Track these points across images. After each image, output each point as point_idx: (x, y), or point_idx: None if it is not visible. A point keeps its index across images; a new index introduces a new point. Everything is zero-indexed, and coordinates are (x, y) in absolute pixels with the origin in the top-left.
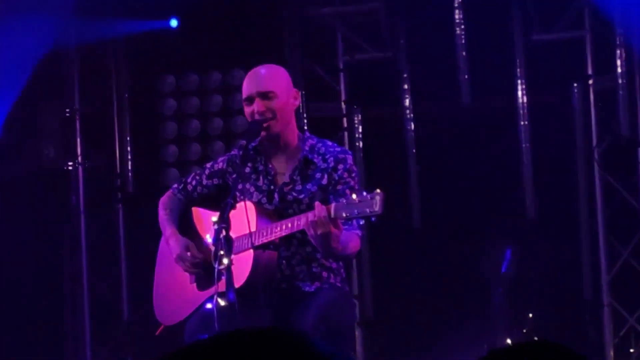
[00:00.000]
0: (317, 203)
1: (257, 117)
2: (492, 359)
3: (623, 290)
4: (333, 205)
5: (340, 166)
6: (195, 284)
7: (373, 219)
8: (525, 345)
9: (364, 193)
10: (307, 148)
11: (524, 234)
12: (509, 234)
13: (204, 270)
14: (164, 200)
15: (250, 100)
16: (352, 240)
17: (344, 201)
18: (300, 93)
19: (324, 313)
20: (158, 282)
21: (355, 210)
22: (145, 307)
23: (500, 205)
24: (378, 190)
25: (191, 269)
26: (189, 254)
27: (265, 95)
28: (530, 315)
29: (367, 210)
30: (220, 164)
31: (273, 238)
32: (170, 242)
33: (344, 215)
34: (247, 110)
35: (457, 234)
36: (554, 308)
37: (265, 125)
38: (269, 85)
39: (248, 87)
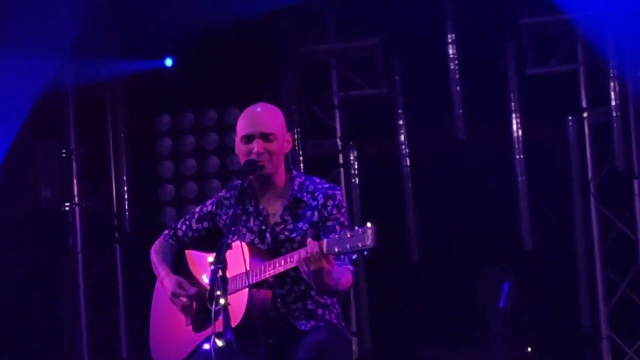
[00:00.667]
0: (309, 240)
1: (253, 156)
2: None
3: (621, 322)
4: (325, 241)
5: (330, 202)
6: (191, 326)
7: (366, 252)
8: None
9: (356, 227)
10: (295, 187)
11: (521, 266)
12: (506, 267)
13: (200, 311)
14: (155, 247)
15: (249, 138)
16: (344, 275)
17: (336, 236)
18: (292, 136)
19: (318, 352)
20: (154, 326)
21: (348, 245)
22: (143, 346)
23: (497, 239)
24: (369, 224)
25: (185, 303)
26: (181, 290)
27: (266, 137)
28: (529, 349)
29: (359, 244)
30: (209, 206)
31: (267, 276)
32: (164, 282)
33: (336, 250)
34: (244, 148)
35: (455, 267)
36: (552, 341)
37: (260, 164)
38: (270, 127)
39: (248, 125)
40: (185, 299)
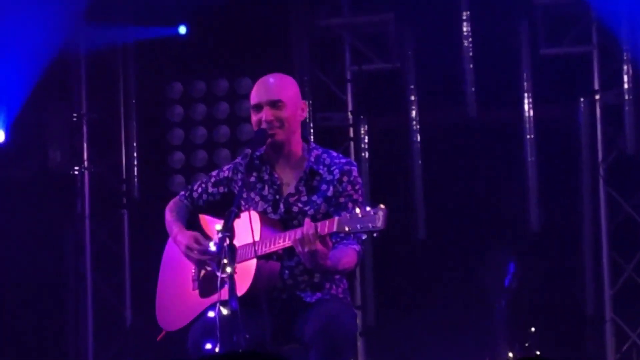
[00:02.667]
0: (306, 220)
1: (264, 125)
2: None
3: (626, 305)
4: (336, 218)
5: (345, 178)
6: (197, 291)
7: (375, 234)
8: None
9: (367, 208)
10: (312, 159)
11: (528, 246)
12: (512, 246)
13: (208, 277)
14: (170, 206)
15: (258, 107)
16: (346, 255)
17: (347, 215)
18: (307, 105)
19: (324, 325)
20: (161, 289)
21: (358, 225)
22: (148, 313)
23: (505, 218)
24: (382, 206)
25: (202, 257)
26: (196, 244)
27: (274, 104)
28: (533, 329)
29: (370, 225)
30: (226, 172)
31: (275, 249)
32: (178, 237)
33: (346, 229)
34: (255, 117)
35: (461, 245)
36: (556, 322)
37: (271, 132)
38: (278, 94)
39: (257, 94)
40: (199, 254)
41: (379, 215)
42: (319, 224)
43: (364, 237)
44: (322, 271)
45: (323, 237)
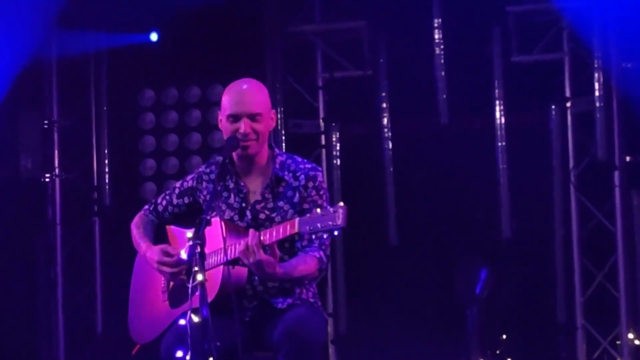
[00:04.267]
0: (250, 231)
1: (239, 136)
2: None
3: (597, 312)
4: (297, 219)
5: (310, 184)
6: (167, 302)
7: (336, 232)
8: None
9: (328, 207)
10: (277, 165)
11: (499, 254)
12: (484, 253)
13: (177, 287)
14: (136, 221)
15: (236, 118)
16: (303, 263)
17: (308, 215)
18: (276, 113)
19: (291, 328)
20: (132, 302)
21: (319, 224)
22: (119, 320)
23: (476, 225)
24: (341, 204)
25: (174, 269)
26: (166, 258)
27: (253, 117)
28: (504, 336)
29: (330, 223)
30: (190, 182)
31: (237, 255)
32: (148, 254)
33: (307, 229)
34: (230, 127)
35: (433, 252)
36: (527, 329)
37: (244, 144)
38: (257, 107)
39: (236, 105)
40: (171, 267)
41: (339, 213)
42: (266, 232)
43: (326, 236)
44: (274, 281)
45: (270, 247)
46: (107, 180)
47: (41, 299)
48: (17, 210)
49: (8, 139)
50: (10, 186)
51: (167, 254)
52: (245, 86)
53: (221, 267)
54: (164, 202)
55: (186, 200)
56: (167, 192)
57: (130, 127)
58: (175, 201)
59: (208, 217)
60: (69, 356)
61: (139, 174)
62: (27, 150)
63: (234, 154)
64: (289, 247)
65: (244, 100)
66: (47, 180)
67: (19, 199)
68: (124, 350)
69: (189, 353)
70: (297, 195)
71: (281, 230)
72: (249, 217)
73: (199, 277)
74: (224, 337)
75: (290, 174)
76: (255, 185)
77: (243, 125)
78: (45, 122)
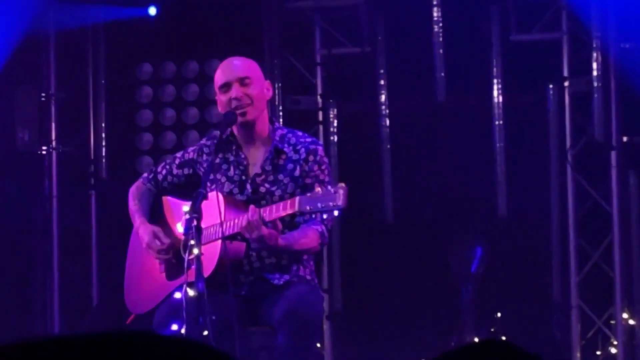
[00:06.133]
0: (251, 207)
1: (234, 103)
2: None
3: (592, 292)
4: (297, 198)
5: (311, 157)
6: (164, 274)
7: (337, 212)
8: (474, 346)
9: (329, 187)
10: (277, 138)
11: (495, 232)
12: (480, 231)
13: (174, 260)
14: (133, 191)
15: (227, 86)
16: (305, 236)
17: (308, 195)
18: (271, 85)
19: (292, 307)
20: (129, 272)
21: (319, 204)
22: (115, 294)
23: (473, 203)
24: (342, 184)
25: (160, 255)
26: (157, 241)
27: (242, 81)
28: (499, 314)
29: (330, 203)
30: (191, 153)
31: (238, 229)
32: (140, 231)
33: (307, 208)
34: (223, 98)
35: (428, 230)
36: (522, 308)
37: (241, 111)
38: (245, 71)
39: (224, 74)
40: (160, 250)
41: (339, 194)
42: (265, 209)
43: (325, 216)
44: (276, 252)
45: (272, 221)
46: (104, 154)
47: (37, 272)
48: (14, 183)
49: (4, 112)
50: (6, 159)
51: (158, 238)
52: (232, 60)
53: (219, 241)
54: (164, 172)
55: (186, 171)
56: (167, 161)
57: (127, 101)
58: (175, 171)
59: (204, 191)
60: (64, 328)
61: (136, 148)
62: (24, 123)
63: (234, 127)
64: (290, 220)
65: (231, 67)
66: (44, 153)
67: (15, 172)
68: (120, 323)
69: (184, 326)
70: (298, 168)
71: (281, 207)
72: (249, 190)
73: (195, 251)
74: (220, 311)
75: (291, 147)
76: (255, 158)
77: (234, 91)
78: (43, 95)
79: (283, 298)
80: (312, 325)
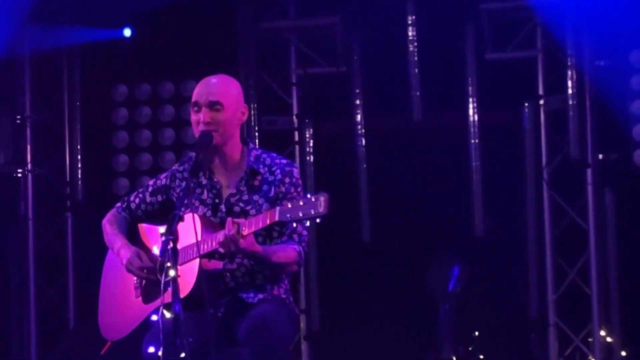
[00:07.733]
0: (228, 220)
1: (201, 127)
2: None
3: (569, 310)
4: (277, 208)
5: (287, 179)
6: (140, 298)
7: (318, 220)
8: None
9: (309, 195)
10: (252, 159)
11: (472, 251)
12: (457, 250)
13: (150, 283)
14: (109, 218)
15: (197, 106)
16: (284, 250)
17: (288, 204)
18: (248, 109)
19: (257, 324)
20: (103, 298)
21: (300, 213)
22: (92, 316)
23: (450, 222)
24: (323, 192)
25: (141, 273)
26: (138, 260)
27: (212, 106)
28: (477, 333)
29: (312, 211)
30: (163, 180)
31: (216, 246)
32: (121, 252)
33: (288, 217)
34: (194, 117)
35: (406, 249)
36: (499, 326)
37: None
38: (218, 96)
39: (198, 93)
40: (141, 268)
41: (320, 201)
42: (244, 222)
43: (305, 233)
44: (254, 260)
45: (247, 236)
46: (79, 176)
47: (13, 294)
48: None
49: None
50: None
51: (139, 257)
52: (213, 78)
53: (196, 262)
54: (137, 200)
55: (159, 198)
56: (140, 190)
57: (103, 123)
58: (148, 199)
59: (180, 213)
60: (41, 351)
61: (111, 170)
62: (0, 145)
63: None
64: (262, 242)
65: (206, 89)
66: (20, 175)
67: None
68: (97, 345)
69: (161, 348)
70: (273, 189)
71: (260, 219)
72: (224, 210)
73: (172, 272)
74: (197, 333)
75: (266, 168)
76: (228, 181)
77: (202, 115)
78: (18, 117)
79: (248, 316)
80: (277, 344)
